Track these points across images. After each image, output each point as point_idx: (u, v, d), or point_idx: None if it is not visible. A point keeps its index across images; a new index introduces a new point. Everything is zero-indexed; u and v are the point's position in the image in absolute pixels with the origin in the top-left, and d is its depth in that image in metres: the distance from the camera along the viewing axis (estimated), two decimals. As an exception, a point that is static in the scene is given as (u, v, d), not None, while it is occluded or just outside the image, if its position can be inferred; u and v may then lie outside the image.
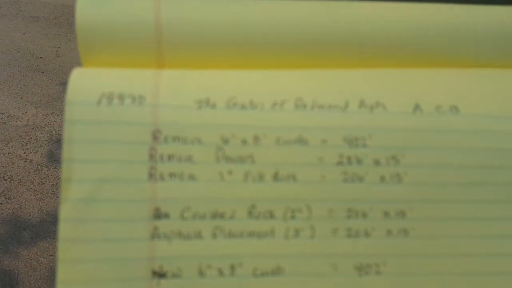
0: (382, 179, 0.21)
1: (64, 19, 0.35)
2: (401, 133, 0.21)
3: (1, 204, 0.28)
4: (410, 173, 0.21)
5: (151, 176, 0.21)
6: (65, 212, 0.20)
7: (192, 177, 0.21)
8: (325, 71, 0.23)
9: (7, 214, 0.27)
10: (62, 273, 0.20)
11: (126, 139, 0.20)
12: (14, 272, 0.26)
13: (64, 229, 0.20)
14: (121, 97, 0.21)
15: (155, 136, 0.21)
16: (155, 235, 0.21)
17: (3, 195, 0.28)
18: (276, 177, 0.21)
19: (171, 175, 0.21)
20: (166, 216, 0.21)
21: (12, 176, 0.28)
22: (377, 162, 0.21)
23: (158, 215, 0.21)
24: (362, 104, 0.21)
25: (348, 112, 0.21)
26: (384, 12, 0.23)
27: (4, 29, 0.31)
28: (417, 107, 0.22)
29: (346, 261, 0.21)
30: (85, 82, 0.21)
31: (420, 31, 0.23)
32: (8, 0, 0.32)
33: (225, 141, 0.21)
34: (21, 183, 0.28)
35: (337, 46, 0.23)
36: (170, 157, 0.21)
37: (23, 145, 0.29)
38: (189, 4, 0.22)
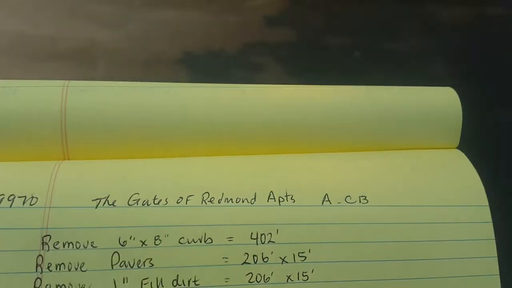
0: (288, 278, 0.20)
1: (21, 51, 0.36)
2: (308, 227, 0.21)
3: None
4: (316, 270, 0.20)
5: None
6: None
7: None
8: (234, 159, 0.22)
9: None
10: None
11: (12, 247, 0.19)
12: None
13: None
14: (11, 199, 0.19)
15: (44, 243, 0.19)
16: None
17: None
18: (176, 282, 0.20)
19: (59, 286, 0.19)
20: None
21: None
22: (283, 260, 0.20)
23: None
24: (271, 196, 0.21)
25: (257, 205, 0.21)
26: (293, 96, 0.23)
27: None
28: (325, 198, 0.21)
29: None
30: None
31: (325, 114, 0.23)
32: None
33: (123, 244, 0.20)
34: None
35: (246, 131, 0.22)
36: (58, 266, 0.19)
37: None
38: (95, 93, 0.22)
